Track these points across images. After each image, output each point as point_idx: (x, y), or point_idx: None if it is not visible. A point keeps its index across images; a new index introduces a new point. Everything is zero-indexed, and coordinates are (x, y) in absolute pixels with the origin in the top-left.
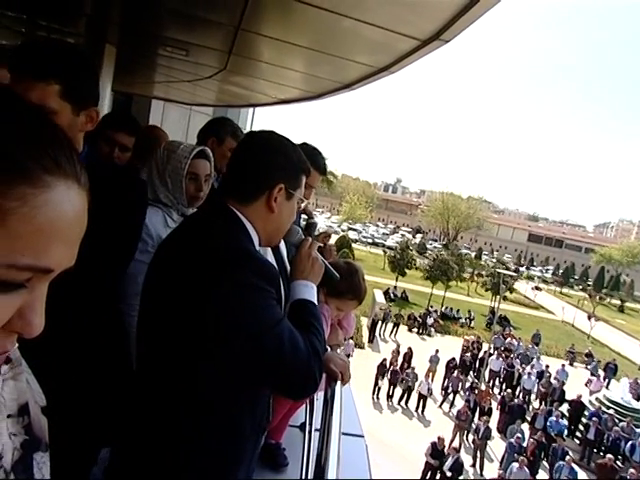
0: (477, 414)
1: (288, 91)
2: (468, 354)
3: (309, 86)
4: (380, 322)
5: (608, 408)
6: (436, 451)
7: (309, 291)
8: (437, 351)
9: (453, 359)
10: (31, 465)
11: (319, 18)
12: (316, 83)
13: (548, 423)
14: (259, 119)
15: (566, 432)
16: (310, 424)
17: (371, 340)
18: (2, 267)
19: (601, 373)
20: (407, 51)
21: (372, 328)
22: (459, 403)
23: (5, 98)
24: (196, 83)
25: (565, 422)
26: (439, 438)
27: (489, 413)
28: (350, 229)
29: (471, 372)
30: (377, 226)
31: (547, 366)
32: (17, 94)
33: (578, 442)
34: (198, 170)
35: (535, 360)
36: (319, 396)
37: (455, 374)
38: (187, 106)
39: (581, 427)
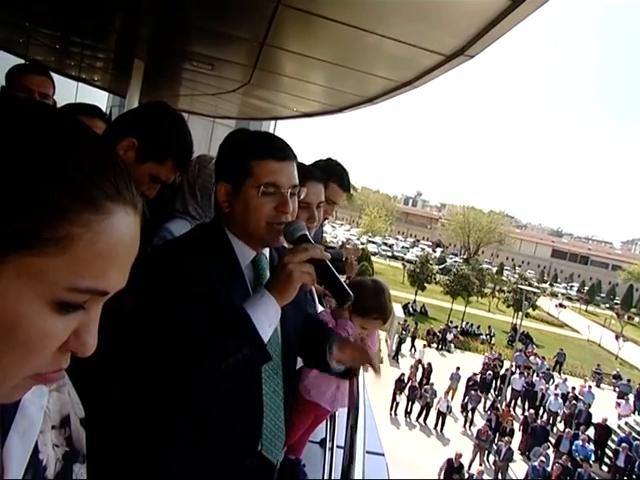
0: (498, 434)
1: (310, 105)
2: (489, 372)
3: (331, 100)
4: (399, 337)
5: (639, 434)
6: (452, 468)
7: (255, 301)
8: (458, 369)
9: (474, 374)
10: (70, 477)
11: (343, 34)
12: (338, 97)
13: (574, 447)
14: (280, 132)
15: (592, 457)
16: (331, 440)
17: (395, 358)
18: (64, 290)
19: (630, 396)
20: (431, 66)
21: (398, 346)
22: (479, 422)
23: (70, 126)
24: (220, 96)
25: (591, 447)
26: (456, 454)
27: (511, 434)
28: (369, 242)
29: (492, 390)
30: (397, 239)
31: (573, 388)
32: (79, 120)
33: (606, 469)
34: None
35: (560, 380)
36: (340, 412)
37: (474, 391)
38: (210, 118)
39: (608, 452)
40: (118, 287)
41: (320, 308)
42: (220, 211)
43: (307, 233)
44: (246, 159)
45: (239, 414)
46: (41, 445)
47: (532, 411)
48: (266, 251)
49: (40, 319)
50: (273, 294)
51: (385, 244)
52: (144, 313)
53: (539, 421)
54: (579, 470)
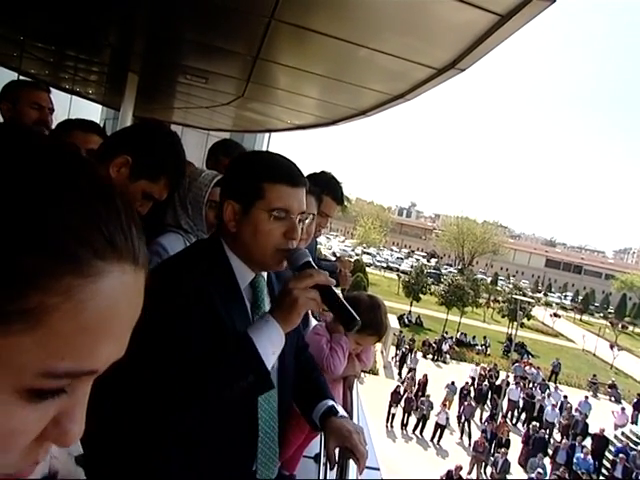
0: (495, 446)
1: (304, 117)
2: (485, 382)
3: (324, 112)
4: (395, 348)
5: (636, 444)
6: None
7: (259, 327)
8: (453, 382)
9: (467, 383)
10: None
11: (336, 48)
12: (332, 110)
13: (575, 460)
14: (275, 144)
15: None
16: (326, 455)
17: (400, 373)
18: (37, 375)
19: (625, 405)
20: (423, 79)
21: (402, 360)
22: (476, 433)
23: (53, 161)
24: (214, 109)
25: (590, 459)
26: (456, 466)
27: (507, 445)
28: (364, 253)
29: (488, 401)
30: (391, 250)
31: (565, 396)
32: (68, 151)
33: None
34: (217, 198)
35: (554, 390)
36: None
37: (467, 402)
38: (204, 131)
39: (606, 463)
40: (112, 360)
41: (314, 322)
42: (223, 229)
43: (311, 260)
44: (259, 180)
45: (235, 439)
46: None
47: (535, 423)
48: (264, 272)
49: (5, 412)
50: (277, 320)
51: (367, 253)
52: (142, 336)
53: (536, 432)
54: None
